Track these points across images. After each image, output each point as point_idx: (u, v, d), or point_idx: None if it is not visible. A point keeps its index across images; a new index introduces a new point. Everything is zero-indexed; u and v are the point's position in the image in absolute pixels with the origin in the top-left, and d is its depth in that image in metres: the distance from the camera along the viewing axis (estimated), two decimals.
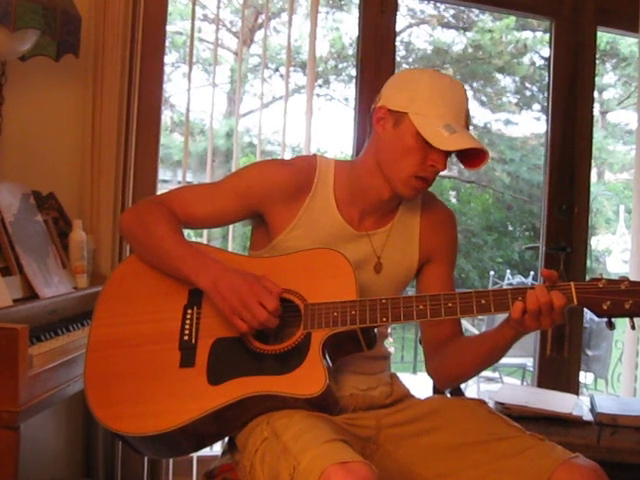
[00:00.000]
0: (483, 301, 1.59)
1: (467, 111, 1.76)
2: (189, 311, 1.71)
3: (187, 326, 1.69)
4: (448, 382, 1.94)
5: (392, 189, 1.78)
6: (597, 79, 3.67)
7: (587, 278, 1.60)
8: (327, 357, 1.63)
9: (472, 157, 1.75)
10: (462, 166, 1.79)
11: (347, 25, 9.45)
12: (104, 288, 1.80)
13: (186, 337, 1.68)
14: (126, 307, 1.75)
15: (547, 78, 3.66)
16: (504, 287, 1.66)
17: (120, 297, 1.78)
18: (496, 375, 6.89)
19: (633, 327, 1.56)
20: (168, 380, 1.64)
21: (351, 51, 9.43)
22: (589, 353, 5.76)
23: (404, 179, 1.74)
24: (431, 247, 1.90)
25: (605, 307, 1.54)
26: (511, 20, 9.29)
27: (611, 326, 1.57)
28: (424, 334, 1.94)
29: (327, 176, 1.83)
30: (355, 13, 3.25)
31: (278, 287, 1.62)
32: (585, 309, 1.59)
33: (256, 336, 1.65)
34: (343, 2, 9.25)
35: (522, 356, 6.22)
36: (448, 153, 1.71)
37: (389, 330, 1.96)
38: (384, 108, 1.76)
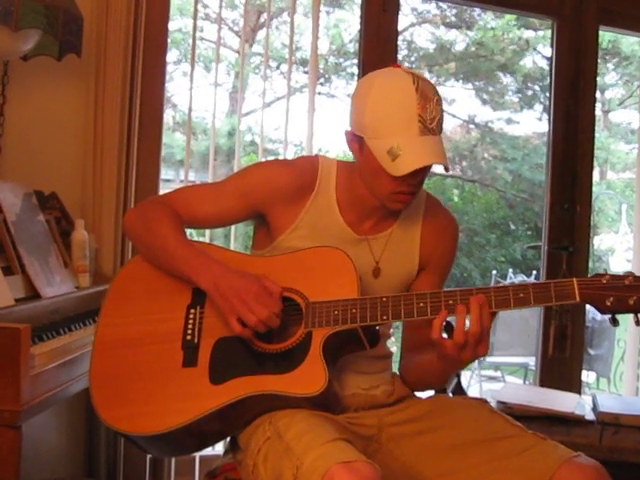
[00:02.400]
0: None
1: (421, 114, 1.62)
2: (192, 311, 1.71)
3: (190, 326, 1.70)
4: (416, 385, 1.91)
5: (380, 202, 1.77)
6: (599, 78, 3.66)
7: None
8: (329, 356, 1.62)
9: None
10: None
11: (347, 22, 9.44)
12: (110, 288, 1.80)
13: (189, 337, 1.68)
14: (131, 307, 1.76)
15: (549, 77, 3.65)
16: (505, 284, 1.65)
17: (125, 297, 1.78)
18: (498, 374, 6.89)
19: (637, 323, 1.54)
20: (171, 380, 1.64)
21: (351, 48, 9.43)
22: (591, 352, 5.75)
23: (385, 196, 1.72)
24: (429, 254, 1.88)
25: (608, 303, 1.52)
26: (512, 16, 9.28)
27: (615, 322, 1.55)
28: (404, 335, 1.94)
29: (329, 177, 1.82)
30: (355, 11, 3.26)
31: (278, 287, 1.62)
32: (588, 306, 1.58)
33: (258, 335, 1.65)
34: (343, 1, 9.25)
35: (524, 355, 6.22)
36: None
37: (391, 330, 1.96)
38: (350, 132, 1.75)
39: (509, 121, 10.50)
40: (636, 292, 1.51)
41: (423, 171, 1.66)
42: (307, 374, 1.59)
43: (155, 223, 1.76)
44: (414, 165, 1.62)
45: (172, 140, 8.74)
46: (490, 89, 10.51)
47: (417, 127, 1.63)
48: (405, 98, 1.63)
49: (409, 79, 1.65)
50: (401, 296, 1.64)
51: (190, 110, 3.21)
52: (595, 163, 3.68)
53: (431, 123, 1.64)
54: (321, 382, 1.57)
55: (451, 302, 1.59)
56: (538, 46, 9.96)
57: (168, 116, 8.91)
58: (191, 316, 1.71)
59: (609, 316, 1.55)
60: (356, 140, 1.73)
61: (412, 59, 10.13)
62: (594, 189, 3.70)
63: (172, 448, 1.75)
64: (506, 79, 10.43)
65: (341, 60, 9.92)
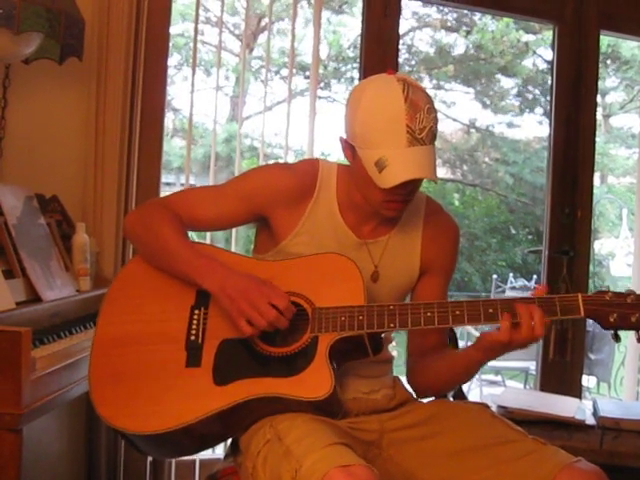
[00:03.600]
0: (491, 310, 1.59)
1: (409, 125, 1.60)
2: (196, 311, 1.71)
3: (194, 326, 1.70)
4: (426, 392, 1.91)
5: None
6: (599, 82, 3.67)
7: (590, 282, 1.61)
8: (334, 361, 1.62)
9: None
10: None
11: (346, 27, 9.46)
12: (111, 287, 1.80)
13: (193, 337, 1.68)
14: (133, 306, 1.76)
15: (550, 81, 3.66)
16: (506, 291, 1.66)
17: (127, 296, 1.78)
18: (499, 379, 6.88)
19: (639, 340, 1.57)
20: (174, 380, 1.64)
21: (351, 53, 9.45)
22: (592, 357, 5.75)
23: (377, 203, 1.72)
24: (431, 258, 1.87)
25: (612, 319, 1.55)
26: (511, 19, 9.29)
27: (617, 338, 1.58)
28: (410, 343, 1.93)
29: (330, 181, 1.82)
30: (355, 16, 3.26)
31: (283, 292, 1.62)
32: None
33: (263, 338, 1.65)
34: (344, 6, 9.27)
35: (525, 359, 6.21)
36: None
37: (392, 334, 1.96)
38: (345, 139, 1.75)
39: (510, 124, 10.52)
40: (638, 310, 1.54)
41: (412, 182, 1.65)
42: (313, 378, 1.59)
43: (156, 225, 1.75)
44: (399, 178, 1.61)
45: (170, 147, 8.74)
46: (490, 92, 10.53)
47: (405, 138, 1.61)
48: (393, 108, 1.62)
49: (399, 88, 1.63)
50: (408, 305, 1.65)
51: (191, 114, 3.21)
52: (596, 167, 3.68)
53: (420, 133, 1.62)
54: (327, 387, 1.57)
55: (458, 313, 1.60)
56: (538, 49, 9.98)
57: (168, 120, 8.91)
58: (195, 317, 1.71)
59: (611, 332, 1.58)
60: (349, 148, 1.74)
61: (412, 63, 10.15)
62: (595, 193, 3.70)
63: (172, 449, 1.75)
64: (506, 82, 10.44)
65: (340, 65, 9.94)
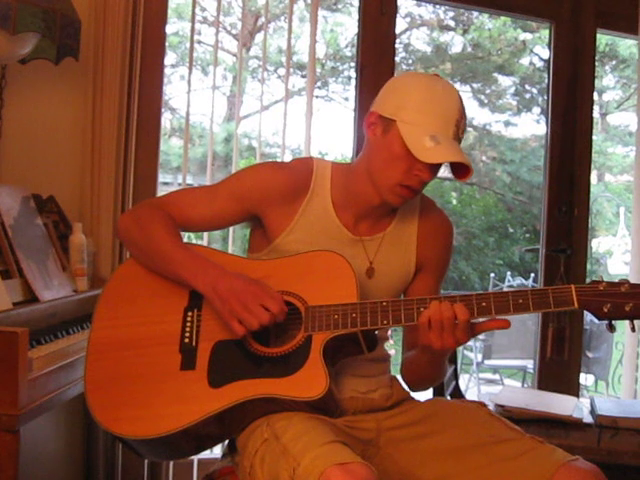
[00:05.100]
0: (484, 303, 1.59)
1: (458, 121, 1.71)
2: (189, 313, 1.71)
3: (188, 329, 1.69)
4: (411, 384, 1.91)
5: (380, 196, 1.77)
6: (596, 81, 3.68)
7: (587, 280, 1.61)
8: (327, 359, 1.62)
9: (461, 169, 1.72)
10: (451, 175, 1.77)
11: (344, 26, 9.45)
12: (104, 290, 1.80)
13: (187, 340, 1.68)
14: (126, 309, 1.75)
15: (547, 80, 3.66)
16: (504, 289, 1.66)
17: (120, 299, 1.77)
18: (496, 377, 6.89)
19: (633, 329, 1.57)
20: (169, 383, 1.64)
21: (348, 52, 9.44)
22: (589, 355, 5.76)
23: (390, 186, 1.72)
24: (426, 255, 1.88)
25: (605, 310, 1.53)
26: (508, 17, 9.29)
27: (612, 329, 1.57)
28: (405, 337, 1.94)
29: (324, 179, 1.83)
30: (352, 15, 3.26)
31: (275, 293, 1.62)
32: (585, 312, 1.59)
33: (257, 338, 1.65)
34: (341, 5, 9.25)
35: (522, 358, 6.22)
36: (435, 164, 1.69)
37: (389, 333, 1.96)
38: (375, 113, 1.75)
39: (507, 123, 10.52)
40: (632, 299, 1.53)
41: (436, 172, 1.71)
42: (308, 378, 1.59)
43: (149, 226, 1.75)
44: (451, 157, 1.66)
45: (168, 147, 8.72)
46: (487, 91, 10.53)
47: (452, 130, 1.69)
48: (451, 102, 1.70)
49: (455, 90, 1.73)
50: (401, 301, 1.64)
51: (188, 114, 3.21)
52: (593, 166, 3.68)
53: (462, 134, 1.72)
54: (322, 386, 1.57)
55: None
56: (535, 47, 9.98)
57: (165, 120, 8.90)
58: (189, 319, 1.71)
59: (606, 322, 1.56)
60: (381, 123, 1.74)
61: (409, 62, 10.14)
62: (592, 192, 3.70)
63: (169, 452, 1.74)
64: (504, 81, 10.44)
65: (338, 64, 9.93)
